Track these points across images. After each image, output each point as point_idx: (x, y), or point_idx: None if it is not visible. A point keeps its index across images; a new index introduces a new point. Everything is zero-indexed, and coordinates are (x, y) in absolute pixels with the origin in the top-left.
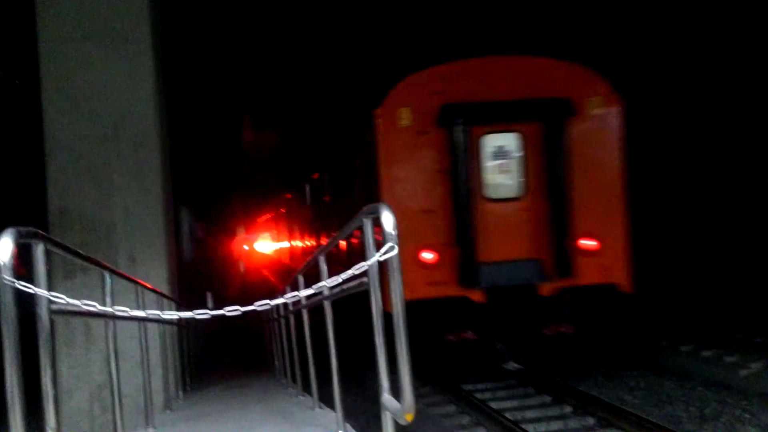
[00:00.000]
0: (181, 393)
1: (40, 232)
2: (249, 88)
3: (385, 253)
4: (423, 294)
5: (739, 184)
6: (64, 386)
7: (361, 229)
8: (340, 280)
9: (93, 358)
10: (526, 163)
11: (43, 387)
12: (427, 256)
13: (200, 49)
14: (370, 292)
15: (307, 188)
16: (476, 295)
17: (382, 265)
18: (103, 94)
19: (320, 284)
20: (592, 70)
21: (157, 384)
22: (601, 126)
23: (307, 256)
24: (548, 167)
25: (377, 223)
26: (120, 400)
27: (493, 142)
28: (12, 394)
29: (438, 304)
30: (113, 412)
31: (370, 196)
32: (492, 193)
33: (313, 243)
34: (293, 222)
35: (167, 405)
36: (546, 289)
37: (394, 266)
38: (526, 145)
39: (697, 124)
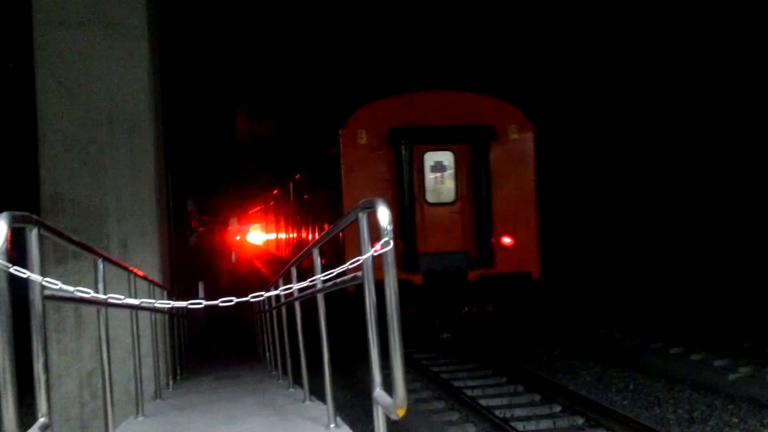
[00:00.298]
0: (171, 382)
1: (34, 216)
2: (243, 78)
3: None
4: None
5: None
6: (54, 372)
7: (356, 222)
8: (334, 274)
9: (83, 345)
10: (458, 175)
11: (35, 373)
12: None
13: (196, 37)
14: (364, 286)
15: (291, 186)
16: (417, 279)
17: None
18: (98, 80)
19: (314, 278)
20: (511, 103)
21: (147, 372)
22: (517, 148)
23: (290, 247)
24: (475, 179)
25: (372, 218)
26: (111, 388)
27: (432, 158)
28: (4, 379)
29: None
30: (104, 399)
31: (335, 197)
32: (431, 198)
33: (295, 235)
34: (279, 215)
35: (157, 393)
36: (472, 275)
37: (389, 261)
38: (458, 161)
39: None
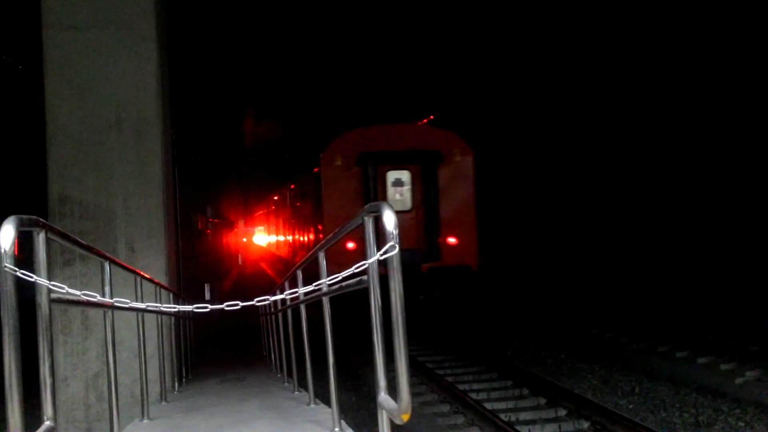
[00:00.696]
0: (176, 384)
1: (42, 220)
2: (250, 81)
3: (385, 252)
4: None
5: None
6: (60, 374)
7: (361, 227)
8: (340, 278)
9: (89, 347)
10: (413, 189)
11: (41, 376)
12: (350, 245)
13: (204, 40)
14: (370, 290)
15: (288, 194)
16: (381, 270)
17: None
18: (106, 82)
19: (320, 282)
20: (455, 133)
21: (153, 375)
22: (460, 168)
23: (287, 247)
24: (426, 193)
25: (378, 222)
26: (116, 390)
27: (393, 176)
28: (10, 382)
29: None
30: (109, 402)
31: (317, 206)
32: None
33: (291, 237)
34: (279, 219)
35: (163, 396)
36: (424, 267)
37: (394, 265)
38: (413, 178)
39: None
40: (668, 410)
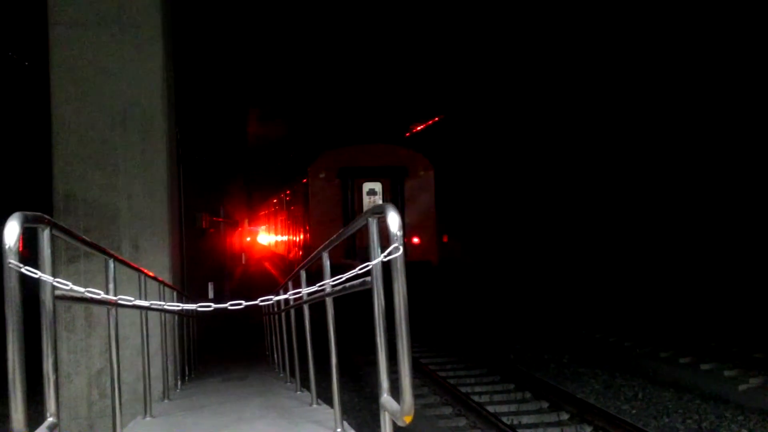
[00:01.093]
0: (179, 383)
1: (47, 217)
2: (255, 80)
3: (389, 253)
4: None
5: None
6: (63, 371)
7: (365, 228)
8: (344, 279)
9: (93, 344)
10: (384, 198)
11: (45, 372)
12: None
13: (209, 40)
14: (374, 291)
15: (284, 198)
16: (355, 264)
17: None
18: (112, 80)
19: (323, 282)
20: (419, 152)
21: (156, 372)
22: (423, 181)
23: (284, 245)
24: (394, 201)
25: (382, 223)
26: (120, 387)
27: (367, 186)
28: (14, 378)
29: (333, 268)
30: (113, 399)
31: (305, 211)
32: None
33: (287, 238)
34: (278, 220)
35: (165, 394)
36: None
37: (398, 266)
38: (384, 189)
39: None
40: (671, 416)
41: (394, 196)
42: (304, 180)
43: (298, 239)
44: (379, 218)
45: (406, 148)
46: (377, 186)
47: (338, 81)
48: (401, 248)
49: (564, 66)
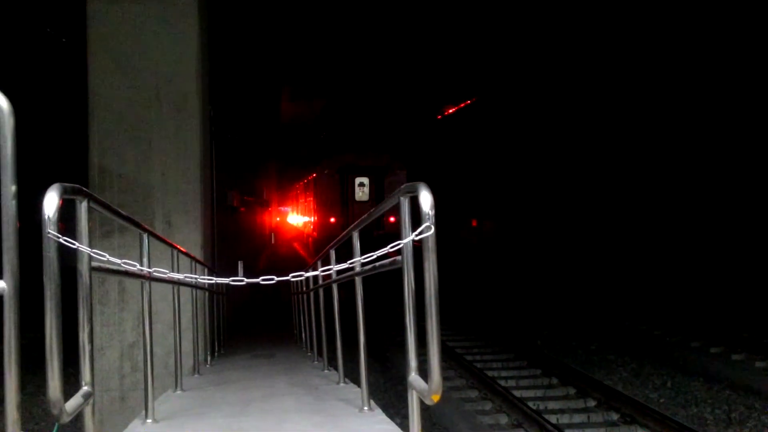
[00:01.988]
0: (209, 358)
1: (84, 189)
2: (289, 59)
3: (421, 232)
4: (329, 237)
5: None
6: (96, 344)
7: (397, 207)
8: (374, 257)
9: (125, 317)
10: (369, 189)
11: (80, 342)
12: (332, 220)
13: (244, 15)
14: (404, 271)
15: (302, 186)
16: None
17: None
18: (148, 56)
19: (353, 260)
20: (397, 160)
21: (186, 347)
22: (398, 178)
23: (303, 224)
24: (377, 191)
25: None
26: (152, 360)
27: (358, 181)
28: (51, 347)
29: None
30: (145, 372)
31: (314, 197)
32: (357, 198)
33: (306, 219)
34: (299, 203)
35: (195, 369)
36: (375, 233)
37: (430, 246)
38: (370, 182)
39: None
40: (700, 405)
41: (377, 188)
42: (313, 175)
43: (311, 219)
44: (411, 197)
45: (387, 154)
46: (365, 180)
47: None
48: (433, 227)
49: (565, 66)
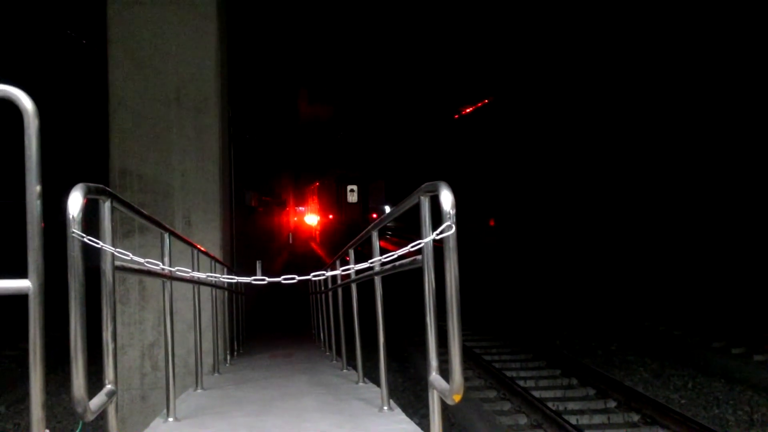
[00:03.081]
0: (228, 357)
1: (108, 189)
2: (306, 61)
3: (441, 231)
4: (328, 229)
5: None
6: (117, 343)
7: (417, 206)
8: (395, 256)
9: (146, 317)
10: (357, 195)
11: (104, 341)
12: (330, 216)
13: (262, 18)
14: (424, 270)
15: (312, 191)
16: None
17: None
18: (168, 58)
19: (373, 260)
20: (378, 170)
21: (206, 346)
22: (377, 185)
23: (314, 224)
24: (363, 195)
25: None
26: (174, 359)
27: (349, 188)
28: (75, 346)
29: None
30: (166, 370)
31: (318, 202)
32: (348, 201)
33: (318, 219)
34: (310, 206)
35: (215, 368)
36: (362, 227)
37: (451, 245)
38: (357, 189)
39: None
40: (721, 407)
41: (363, 193)
42: (317, 184)
43: (317, 217)
44: (431, 196)
45: (369, 166)
46: (354, 187)
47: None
48: (454, 226)
49: (565, 67)
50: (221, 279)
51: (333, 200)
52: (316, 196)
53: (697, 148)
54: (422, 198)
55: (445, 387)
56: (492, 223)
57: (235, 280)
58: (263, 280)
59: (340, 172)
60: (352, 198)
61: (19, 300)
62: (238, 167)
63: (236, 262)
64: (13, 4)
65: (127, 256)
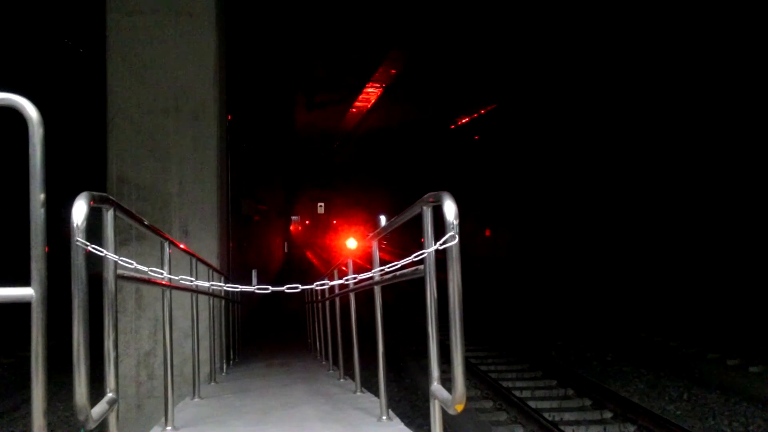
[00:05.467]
0: (225, 366)
1: (112, 198)
2: (304, 70)
3: (445, 242)
4: (305, 233)
5: None
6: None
7: (419, 217)
8: (397, 266)
9: (142, 325)
10: (324, 208)
11: (106, 349)
12: (307, 222)
13: (260, 28)
14: (426, 280)
15: (307, 209)
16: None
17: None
18: (166, 67)
19: (375, 270)
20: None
21: (203, 355)
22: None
23: (307, 234)
24: (327, 212)
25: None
26: (172, 368)
27: (318, 203)
28: (78, 355)
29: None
30: (165, 379)
31: (300, 215)
32: (318, 212)
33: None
34: (306, 220)
35: (212, 377)
36: None
37: (454, 255)
38: (324, 205)
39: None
40: (717, 418)
41: (327, 209)
42: (297, 202)
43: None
44: (434, 206)
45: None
46: (322, 203)
47: None
48: (457, 237)
49: (567, 67)
50: (224, 288)
51: (307, 212)
52: (300, 211)
53: (690, 159)
54: (425, 208)
55: (446, 397)
56: (488, 233)
57: (238, 289)
58: (267, 289)
59: (313, 193)
60: (321, 210)
61: (16, 308)
62: (235, 175)
63: (234, 270)
64: (12, 13)
65: (131, 264)
